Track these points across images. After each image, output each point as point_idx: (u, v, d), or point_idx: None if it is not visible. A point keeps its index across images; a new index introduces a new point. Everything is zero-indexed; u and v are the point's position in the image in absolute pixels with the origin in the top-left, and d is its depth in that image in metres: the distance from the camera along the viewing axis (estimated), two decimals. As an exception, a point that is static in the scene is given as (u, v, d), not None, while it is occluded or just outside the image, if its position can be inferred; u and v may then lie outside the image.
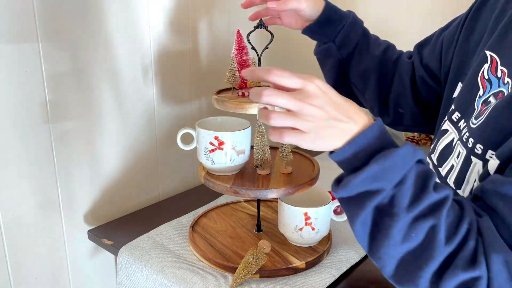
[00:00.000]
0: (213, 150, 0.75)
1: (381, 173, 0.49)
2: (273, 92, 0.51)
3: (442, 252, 0.48)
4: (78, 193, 0.88)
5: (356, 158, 0.51)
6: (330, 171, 1.25)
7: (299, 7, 0.77)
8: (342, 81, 0.89)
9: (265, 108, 0.56)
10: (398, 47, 0.95)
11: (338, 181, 0.55)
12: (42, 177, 0.81)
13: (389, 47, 0.90)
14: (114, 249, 0.83)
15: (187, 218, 0.93)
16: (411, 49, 0.91)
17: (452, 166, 0.61)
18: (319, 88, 0.51)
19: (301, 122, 0.51)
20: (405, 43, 0.99)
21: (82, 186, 0.88)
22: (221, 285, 0.72)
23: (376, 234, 0.51)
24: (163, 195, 1.05)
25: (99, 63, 0.85)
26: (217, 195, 1.02)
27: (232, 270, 0.75)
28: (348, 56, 0.86)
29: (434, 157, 0.67)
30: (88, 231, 0.90)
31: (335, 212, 0.82)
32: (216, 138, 0.75)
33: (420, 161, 0.51)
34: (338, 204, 0.82)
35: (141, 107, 0.95)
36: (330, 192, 0.80)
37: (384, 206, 0.50)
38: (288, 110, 0.52)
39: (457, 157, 0.60)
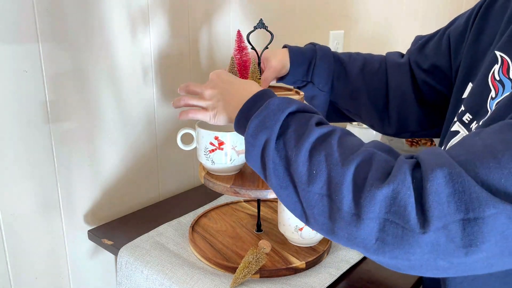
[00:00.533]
0: (213, 150, 0.75)
1: (261, 124, 0.55)
2: (186, 95, 0.72)
3: (342, 174, 0.47)
4: (78, 193, 0.88)
5: (245, 119, 0.58)
6: (330, 171, 1.24)
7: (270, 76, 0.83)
8: (335, 112, 0.91)
9: None
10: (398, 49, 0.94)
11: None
12: (42, 177, 0.81)
13: (366, 60, 0.87)
14: (114, 249, 0.83)
15: (187, 218, 0.93)
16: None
17: None
18: (215, 73, 0.70)
19: (203, 101, 0.68)
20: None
21: (82, 186, 0.88)
22: (221, 285, 0.72)
23: (283, 181, 0.53)
24: (163, 195, 1.05)
25: (99, 63, 0.85)
26: (217, 195, 1.02)
27: (232, 270, 0.75)
28: (329, 89, 0.87)
29: None
30: (88, 231, 0.90)
31: None
32: (216, 138, 0.75)
33: (298, 111, 0.56)
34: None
35: (141, 107, 0.95)
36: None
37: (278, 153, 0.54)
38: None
39: None
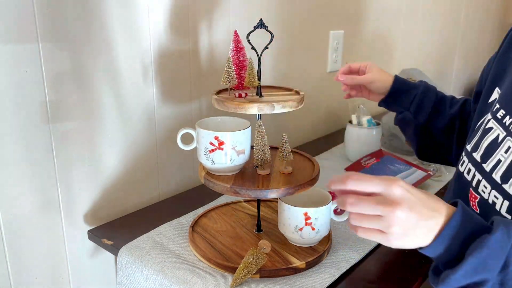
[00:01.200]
0: (213, 150, 0.75)
1: (481, 265, 0.48)
2: (356, 200, 0.52)
3: None
4: (78, 193, 0.88)
5: (449, 252, 0.51)
6: (330, 171, 1.26)
7: (364, 81, 0.96)
8: (425, 143, 0.98)
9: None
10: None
11: (436, 273, 0.54)
12: (42, 177, 0.81)
13: (467, 101, 0.95)
14: (114, 249, 0.83)
15: (187, 218, 0.93)
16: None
17: (499, 161, 0.63)
18: (405, 189, 0.52)
19: (388, 227, 0.51)
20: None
21: (82, 186, 0.88)
22: (221, 285, 0.72)
23: None
24: (163, 195, 1.05)
25: (99, 63, 0.85)
26: (217, 195, 1.02)
27: (232, 270, 0.75)
28: (425, 120, 0.94)
29: (478, 155, 0.69)
30: (88, 231, 0.90)
31: (335, 212, 0.82)
32: (216, 138, 0.75)
33: None
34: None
35: (141, 107, 0.95)
36: (331, 193, 0.80)
37: None
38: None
39: (505, 152, 0.63)
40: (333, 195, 0.71)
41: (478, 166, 0.67)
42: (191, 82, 1.04)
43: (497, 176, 0.62)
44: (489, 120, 0.70)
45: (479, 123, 0.73)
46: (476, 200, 0.66)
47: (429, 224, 0.52)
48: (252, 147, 0.83)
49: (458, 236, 0.51)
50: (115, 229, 0.90)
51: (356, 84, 0.98)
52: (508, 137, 0.64)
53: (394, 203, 0.51)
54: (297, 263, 0.77)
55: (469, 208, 0.55)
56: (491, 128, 0.68)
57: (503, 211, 0.60)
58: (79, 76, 0.82)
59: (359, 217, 0.53)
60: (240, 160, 0.77)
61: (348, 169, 1.21)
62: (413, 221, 0.51)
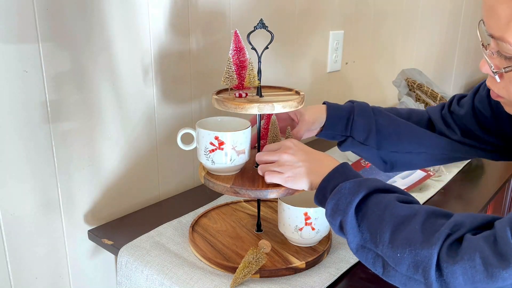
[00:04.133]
0: (213, 150, 0.75)
1: (335, 206, 0.63)
2: (263, 153, 0.77)
3: (428, 257, 0.54)
4: (78, 193, 0.88)
5: (322, 194, 0.68)
6: (330, 171, 1.24)
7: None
8: (391, 164, 0.90)
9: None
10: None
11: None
12: (42, 177, 0.81)
13: (412, 111, 0.91)
14: (114, 249, 0.83)
15: (187, 218, 0.93)
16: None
17: None
18: (293, 143, 0.75)
19: (280, 167, 0.73)
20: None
21: (82, 186, 0.88)
22: (221, 285, 0.72)
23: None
24: (163, 195, 1.05)
25: (99, 63, 0.85)
26: (217, 195, 1.02)
27: (232, 270, 0.75)
28: (375, 143, 0.86)
29: None
30: (88, 231, 0.90)
31: None
32: (216, 138, 0.75)
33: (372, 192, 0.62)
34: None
35: (141, 107, 0.95)
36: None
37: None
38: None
39: None
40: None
41: None
42: (191, 82, 1.04)
43: None
44: None
45: None
46: None
47: (310, 166, 0.71)
48: (253, 147, 0.83)
49: (330, 183, 0.67)
50: (115, 229, 0.90)
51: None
52: None
53: (282, 150, 0.74)
54: (297, 263, 0.77)
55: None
56: None
57: None
58: (79, 76, 0.82)
59: (265, 165, 0.75)
60: (240, 160, 0.77)
61: (348, 169, 1.21)
62: (295, 162, 0.72)
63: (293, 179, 0.72)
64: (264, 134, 0.83)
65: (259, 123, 0.80)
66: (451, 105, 0.87)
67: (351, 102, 0.89)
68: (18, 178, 0.78)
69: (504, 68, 0.56)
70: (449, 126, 0.86)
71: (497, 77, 0.58)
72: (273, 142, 0.81)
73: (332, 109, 0.86)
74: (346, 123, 0.85)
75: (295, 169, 0.72)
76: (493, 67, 0.58)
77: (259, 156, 0.77)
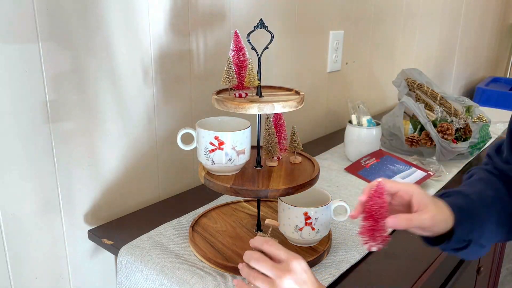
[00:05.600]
0: (213, 150, 0.75)
1: None
2: (260, 256, 0.62)
3: None
4: (78, 193, 0.88)
5: None
6: (330, 171, 1.25)
7: (423, 225, 0.64)
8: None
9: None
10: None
11: None
12: (42, 177, 0.81)
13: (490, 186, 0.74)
14: (114, 249, 0.83)
15: (187, 218, 0.93)
16: None
17: None
18: (301, 266, 0.60)
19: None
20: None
21: (82, 186, 0.88)
22: (221, 285, 0.72)
23: None
24: (163, 195, 1.05)
25: (99, 63, 0.85)
26: (217, 195, 1.02)
27: (232, 270, 0.75)
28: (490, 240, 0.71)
29: None
30: (88, 231, 0.90)
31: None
32: (216, 138, 0.75)
33: None
34: (338, 204, 0.82)
35: (141, 107, 0.95)
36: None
37: None
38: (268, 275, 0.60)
39: None
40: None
41: None
42: (191, 82, 1.04)
43: None
44: None
45: None
46: None
47: None
48: (253, 146, 0.83)
49: None
50: (115, 229, 0.90)
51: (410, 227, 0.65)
52: None
53: (286, 272, 0.59)
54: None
55: None
56: None
57: None
58: (79, 76, 0.82)
59: (255, 274, 0.61)
60: (240, 160, 0.77)
61: (348, 169, 1.21)
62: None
63: None
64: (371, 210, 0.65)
65: (259, 123, 0.80)
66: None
67: (466, 196, 0.70)
68: (18, 178, 0.78)
69: None
70: None
71: None
72: (268, 136, 0.80)
73: (460, 211, 0.67)
74: (471, 227, 0.67)
75: None
76: None
77: (250, 255, 0.63)
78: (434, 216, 0.63)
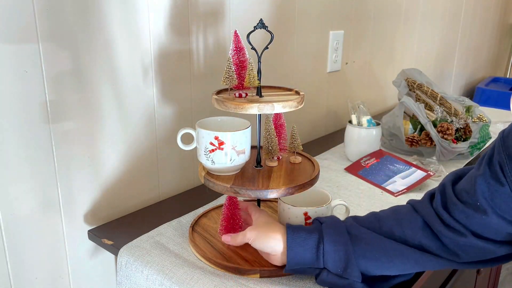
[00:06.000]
0: (213, 150, 0.75)
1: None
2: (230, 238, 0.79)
3: None
4: (78, 193, 0.88)
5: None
6: (330, 171, 1.25)
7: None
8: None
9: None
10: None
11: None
12: (42, 177, 0.81)
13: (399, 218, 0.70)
14: (114, 249, 0.83)
15: (187, 218, 0.93)
16: None
17: None
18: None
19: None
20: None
21: (82, 186, 0.88)
22: (221, 285, 0.72)
23: None
24: (163, 195, 1.05)
25: (99, 63, 0.85)
26: (217, 195, 1.02)
27: (232, 270, 0.75)
28: (352, 270, 0.67)
29: None
30: (88, 231, 0.90)
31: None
32: (216, 138, 0.75)
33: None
34: (338, 204, 0.82)
35: (141, 107, 0.95)
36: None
37: None
38: None
39: None
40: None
41: None
42: (191, 82, 1.04)
43: None
44: None
45: None
46: None
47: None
48: (253, 146, 0.83)
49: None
50: (115, 229, 0.90)
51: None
52: None
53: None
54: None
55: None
56: None
57: None
58: (79, 76, 0.82)
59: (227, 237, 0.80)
60: (240, 160, 0.77)
61: (348, 169, 1.21)
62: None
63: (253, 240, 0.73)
64: None
65: (259, 123, 0.80)
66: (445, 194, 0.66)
67: (318, 221, 0.72)
68: (18, 178, 0.78)
69: None
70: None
71: None
72: (267, 136, 0.81)
73: (291, 237, 0.69)
74: (316, 250, 0.68)
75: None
76: None
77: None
78: (255, 233, 0.73)
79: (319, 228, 0.70)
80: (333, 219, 0.72)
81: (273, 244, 0.71)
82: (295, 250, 0.68)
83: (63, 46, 0.79)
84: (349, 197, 1.05)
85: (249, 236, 0.74)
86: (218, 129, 0.76)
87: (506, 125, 1.67)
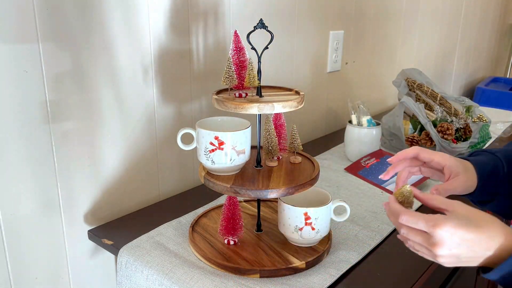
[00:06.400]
0: (213, 150, 0.75)
1: None
2: (406, 232, 0.59)
3: None
4: (78, 193, 0.88)
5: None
6: (330, 171, 1.25)
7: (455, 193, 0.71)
8: None
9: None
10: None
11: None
12: (42, 177, 0.81)
13: None
14: (114, 249, 0.83)
15: (187, 218, 0.93)
16: None
17: None
18: (448, 232, 0.55)
19: (434, 257, 0.57)
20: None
21: (82, 186, 0.88)
22: (221, 285, 0.72)
23: None
24: (163, 195, 1.05)
25: (99, 63, 0.85)
26: (217, 195, 1.02)
27: (232, 270, 0.75)
28: None
29: None
30: (88, 231, 0.90)
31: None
32: (216, 138, 0.75)
33: None
34: (338, 204, 0.82)
35: (141, 107, 0.95)
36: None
37: None
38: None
39: None
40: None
41: None
42: (191, 82, 1.04)
43: None
44: None
45: None
46: None
47: (476, 261, 0.56)
48: (253, 146, 0.83)
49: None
50: (115, 229, 0.90)
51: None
52: None
53: (434, 247, 0.56)
54: (297, 263, 0.77)
55: None
56: None
57: None
58: (79, 76, 0.82)
59: (408, 230, 0.59)
60: (240, 160, 0.77)
61: (348, 169, 1.21)
62: (454, 262, 0.56)
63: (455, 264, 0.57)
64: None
65: (259, 123, 0.80)
66: None
67: (493, 154, 0.76)
68: (18, 178, 0.78)
69: None
70: None
71: None
72: (267, 136, 0.80)
73: (480, 167, 0.73)
74: (495, 181, 0.72)
75: (458, 263, 0.56)
76: None
77: (403, 216, 0.59)
78: (464, 183, 0.70)
79: (495, 159, 0.74)
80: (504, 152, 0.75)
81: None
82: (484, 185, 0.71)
83: (63, 46, 0.79)
84: (349, 197, 1.05)
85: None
86: (218, 129, 0.76)
87: (506, 125, 1.67)
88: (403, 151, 0.74)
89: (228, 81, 0.76)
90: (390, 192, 1.08)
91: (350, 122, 1.28)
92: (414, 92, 1.44)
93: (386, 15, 1.77)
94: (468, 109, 1.37)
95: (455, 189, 0.71)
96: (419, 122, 1.31)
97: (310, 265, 0.77)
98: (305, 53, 1.38)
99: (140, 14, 0.90)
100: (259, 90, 0.78)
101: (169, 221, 0.91)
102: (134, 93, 0.92)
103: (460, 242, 0.55)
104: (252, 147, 0.84)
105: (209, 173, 0.79)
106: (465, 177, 0.71)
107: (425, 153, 0.74)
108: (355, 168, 1.20)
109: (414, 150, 0.74)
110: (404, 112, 1.36)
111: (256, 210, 0.94)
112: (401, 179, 0.73)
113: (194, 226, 0.88)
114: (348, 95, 1.65)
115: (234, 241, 0.82)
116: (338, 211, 0.85)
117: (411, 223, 0.58)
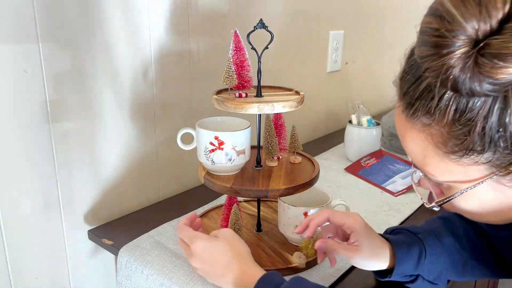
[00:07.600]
0: (213, 150, 0.75)
1: None
2: (180, 234, 0.72)
3: None
4: (78, 193, 0.88)
5: None
6: (330, 171, 1.25)
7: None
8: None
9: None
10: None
11: None
12: (42, 177, 0.81)
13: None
14: (114, 249, 0.83)
15: (187, 218, 0.93)
16: None
17: None
18: (199, 249, 0.67)
19: (190, 259, 0.70)
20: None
21: (82, 186, 0.88)
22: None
23: None
24: (163, 195, 1.05)
25: (99, 63, 0.85)
26: (217, 195, 1.02)
27: (232, 270, 0.75)
28: (444, 278, 0.71)
29: None
30: (88, 231, 0.90)
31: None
32: (216, 138, 0.75)
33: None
34: (338, 204, 0.82)
35: (141, 107, 0.95)
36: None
37: None
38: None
39: None
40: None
41: None
42: (191, 82, 1.04)
43: None
44: None
45: None
46: None
47: (218, 280, 0.68)
48: (253, 146, 0.83)
49: None
50: (115, 229, 0.90)
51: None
52: None
53: (189, 256, 0.70)
54: (297, 263, 0.77)
55: None
56: None
57: None
58: (79, 76, 0.82)
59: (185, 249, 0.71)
60: (240, 160, 0.77)
61: (348, 169, 1.21)
62: (203, 273, 0.69)
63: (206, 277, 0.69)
64: None
65: (259, 123, 0.80)
66: None
67: (413, 233, 0.72)
68: (18, 178, 0.78)
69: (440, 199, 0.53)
70: None
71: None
72: (268, 136, 0.81)
73: (398, 246, 0.69)
74: (417, 260, 0.68)
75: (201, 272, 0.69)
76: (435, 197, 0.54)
77: (179, 228, 0.72)
78: (360, 260, 0.68)
79: (417, 239, 0.70)
80: (429, 232, 0.71)
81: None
82: (401, 261, 0.68)
83: (63, 46, 0.79)
84: (349, 197, 1.05)
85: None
86: (218, 129, 0.76)
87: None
88: (315, 219, 0.70)
89: (228, 81, 0.76)
90: (390, 192, 1.08)
91: (350, 122, 1.28)
92: (414, 92, 1.44)
93: (386, 15, 1.77)
94: (468, 109, 1.37)
95: (348, 259, 0.68)
96: (419, 122, 1.31)
97: (310, 265, 0.77)
98: (305, 53, 1.38)
99: (140, 14, 0.90)
100: (259, 90, 0.78)
101: (169, 221, 0.91)
102: (134, 93, 0.92)
103: (205, 260, 0.67)
104: (252, 147, 0.84)
105: (209, 173, 0.79)
106: (365, 255, 0.67)
107: (337, 217, 0.70)
108: (355, 168, 1.20)
109: (325, 215, 0.70)
110: (404, 112, 1.36)
111: (256, 210, 0.94)
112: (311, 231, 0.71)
113: (194, 226, 0.88)
114: (348, 95, 1.65)
115: None
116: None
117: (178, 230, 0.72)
